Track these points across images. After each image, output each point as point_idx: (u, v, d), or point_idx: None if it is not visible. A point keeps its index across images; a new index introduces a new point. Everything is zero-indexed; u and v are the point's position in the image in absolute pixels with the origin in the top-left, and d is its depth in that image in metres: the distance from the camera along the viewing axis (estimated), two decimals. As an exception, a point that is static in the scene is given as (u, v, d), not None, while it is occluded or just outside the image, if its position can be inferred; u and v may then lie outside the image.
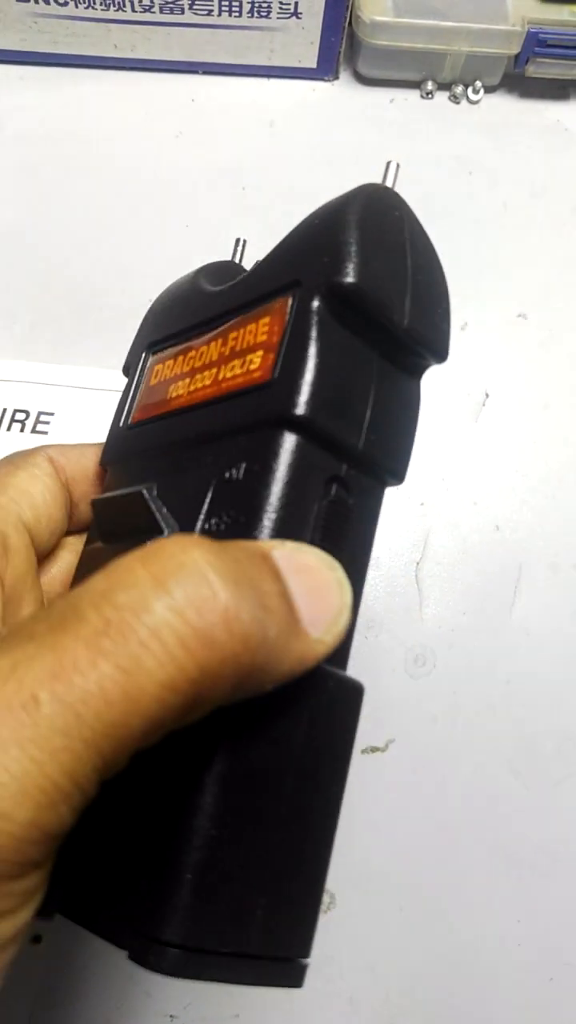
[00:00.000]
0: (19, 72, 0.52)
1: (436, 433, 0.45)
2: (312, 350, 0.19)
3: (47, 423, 0.42)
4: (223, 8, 0.48)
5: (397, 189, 0.22)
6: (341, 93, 0.54)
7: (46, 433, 0.42)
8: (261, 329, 0.21)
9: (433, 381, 0.47)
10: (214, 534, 0.20)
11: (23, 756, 0.14)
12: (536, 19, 0.49)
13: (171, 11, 0.48)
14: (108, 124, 0.52)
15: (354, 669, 0.42)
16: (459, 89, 0.53)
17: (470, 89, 0.53)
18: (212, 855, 0.17)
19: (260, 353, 0.21)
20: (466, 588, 0.42)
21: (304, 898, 0.19)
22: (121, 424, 0.26)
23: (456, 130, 0.53)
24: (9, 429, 0.42)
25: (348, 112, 0.53)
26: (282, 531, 0.19)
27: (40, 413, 0.42)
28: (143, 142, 0.51)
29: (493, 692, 0.41)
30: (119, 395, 0.27)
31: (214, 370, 0.22)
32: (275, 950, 0.18)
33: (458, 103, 0.53)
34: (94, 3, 0.48)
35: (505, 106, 0.54)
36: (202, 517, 0.20)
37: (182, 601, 0.15)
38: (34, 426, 0.42)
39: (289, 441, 0.19)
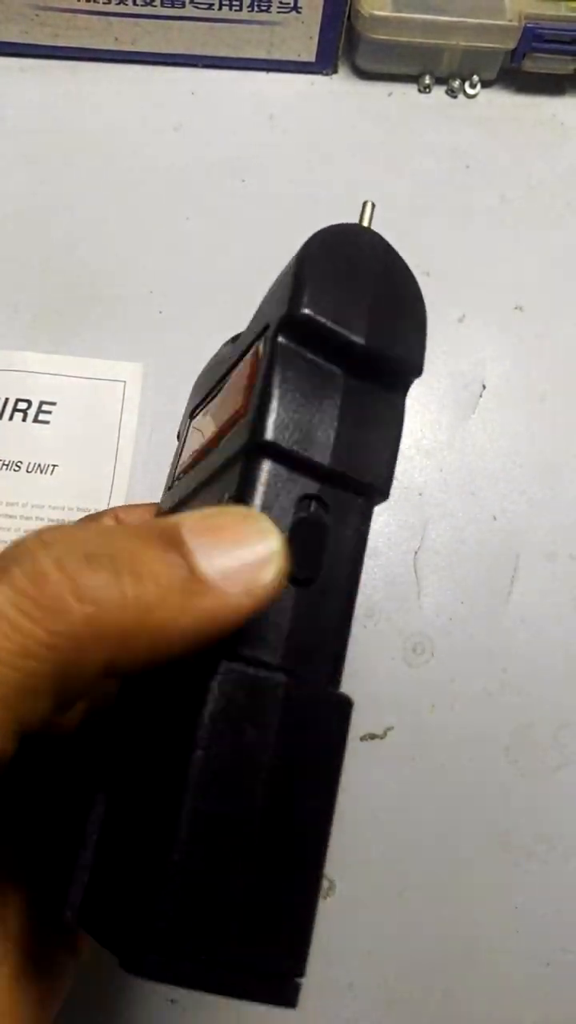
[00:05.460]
0: (20, 64, 0.52)
1: (434, 424, 0.46)
2: (270, 379, 0.21)
3: (49, 412, 0.42)
4: (223, 2, 0.48)
5: (377, 218, 0.23)
6: (340, 87, 0.54)
7: (48, 423, 0.42)
8: (244, 373, 0.23)
9: (431, 373, 0.47)
10: None
11: None
12: (533, 14, 0.50)
13: (172, 5, 0.49)
14: (109, 116, 0.52)
15: (353, 657, 0.42)
16: (456, 83, 0.53)
17: (467, 83, 0.53)
18: (184, 861, 0.18)
19: (243, 394, 0.23)
20: (464, 577, 0.43)
21: (290, 915, 0.19)
22: (171, 485, 0.29)
23: (453, 124, 0.53)
24: (11, 419, 0.42)
25: (346, 105, 0.53)
26: None
27: (42, 403, 0.43)
28: (143, 134, 0.52)
29: (490, 680, 0.41)
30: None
31: (218, 418, 0.25)
32: (261, 965, 0.18)
33: (455, 97, 0.54)
34: (95, -4, 0.48)
35: (502, 100, 0.54)
36: None
37: (20, 579, 0.17)
38: (36, 416, 0.42)
39: (254, 465, 0.21)
